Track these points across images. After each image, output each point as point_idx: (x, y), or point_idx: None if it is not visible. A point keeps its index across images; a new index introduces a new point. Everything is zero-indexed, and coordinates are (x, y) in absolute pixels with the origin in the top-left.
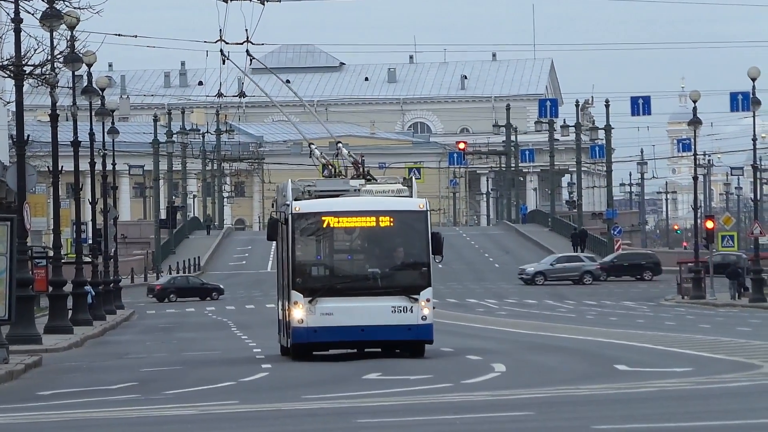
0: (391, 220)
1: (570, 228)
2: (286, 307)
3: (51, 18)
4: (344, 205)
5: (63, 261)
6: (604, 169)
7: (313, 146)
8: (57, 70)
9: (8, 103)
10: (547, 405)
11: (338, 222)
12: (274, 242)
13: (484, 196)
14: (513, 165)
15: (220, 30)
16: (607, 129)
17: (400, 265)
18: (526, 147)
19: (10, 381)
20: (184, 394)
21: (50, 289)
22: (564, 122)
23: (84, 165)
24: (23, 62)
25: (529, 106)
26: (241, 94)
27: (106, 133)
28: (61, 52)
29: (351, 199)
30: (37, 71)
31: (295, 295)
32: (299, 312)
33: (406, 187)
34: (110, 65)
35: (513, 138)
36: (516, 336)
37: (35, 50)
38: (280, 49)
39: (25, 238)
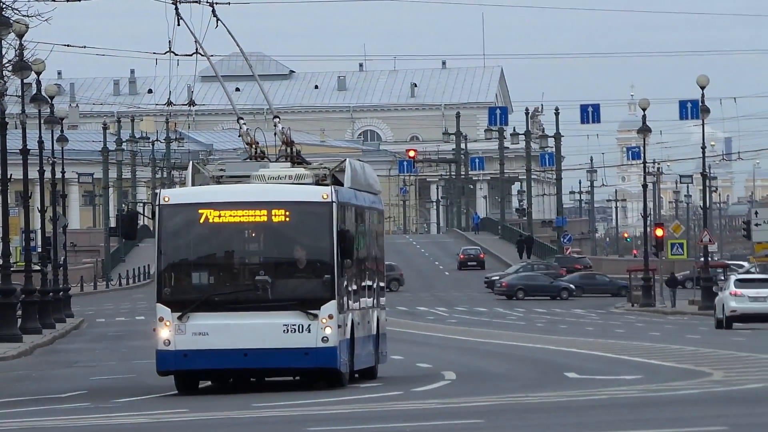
0: (286, 213)
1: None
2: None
3: None
4: (226, 195)
5: (12, 269)
6: (554, 176)
7: (242, 121)
8: (5, 78)
9: None
10: (497, 412)
11: (218, 216)
12: None
13: (435, 203)
14: (463, 173)
15: (170, 42)
16: (557, 137)
17: (295, 271)
18: (476, 155)
19: None
20: (133, 402)
21: None
22: (514, 130)
23: (33, 173)
24: None
25: (479, 114)
26: (191, 103)
27: (55, 141)
28: (9, 60)
29: (235, 187)
30: None
31: (161, 310)
32: (165, 331)
33: (308, 172)
34: (59, 73)
35: (463, 146)
36: (466, 344)
37: None
38: (230, 57)
39: None
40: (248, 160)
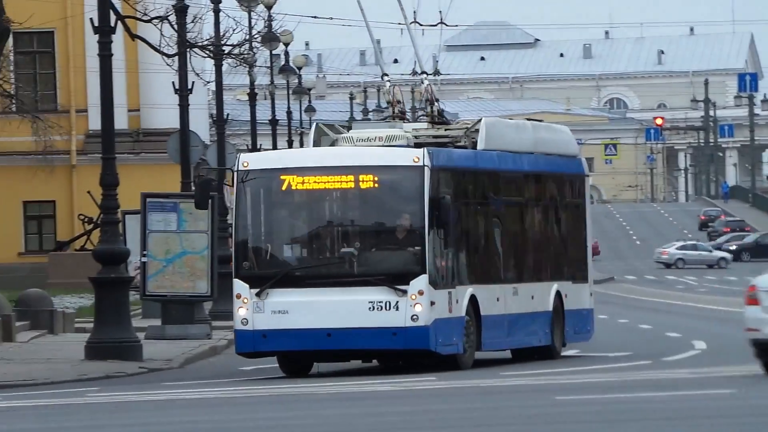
0: (374, 179)
1: None
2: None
3: None
4: (308, 159)
5: None
6: None
7: (386, 78)
8: (255, 50)
9: (208, 83)
10: (748, 384)
11: (301, 183)
12: None
13: (682, 172)
14: (712, 140)
15: (414, 12)
16: None
17: (383, 243)
18: (725, 122)
19: (214, 356)
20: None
21: None
22: (765, 96)
23: (282, 143)
24: (222, 42)
25: (728, 81)
26: (436, 72)
27: (303, 112)
28: (258, 32)
29: (319, 150)
30: (236, 51)
31: (238, 286)
32: (243, 309)
33: (402, 132)
34: (307, 44)
35: (711, 113)
36: (716, 313)
37: (234, 30)
38: (474, 26)
39: (226, 215)
40: (387, 119)
